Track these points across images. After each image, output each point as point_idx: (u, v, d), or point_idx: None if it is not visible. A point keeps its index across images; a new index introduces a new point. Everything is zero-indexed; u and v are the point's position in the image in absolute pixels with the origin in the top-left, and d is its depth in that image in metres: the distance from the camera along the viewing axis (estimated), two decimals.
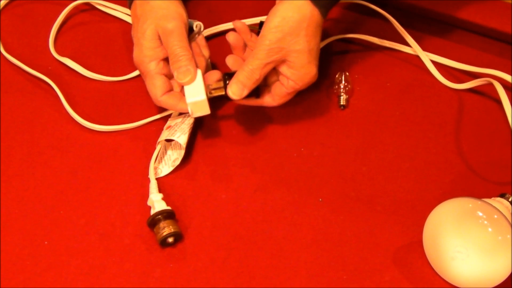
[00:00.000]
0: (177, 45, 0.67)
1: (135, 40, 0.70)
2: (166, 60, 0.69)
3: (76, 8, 0.84)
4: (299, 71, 0.67)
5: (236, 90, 0.67)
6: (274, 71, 0.69)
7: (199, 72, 0.68)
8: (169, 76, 0.70)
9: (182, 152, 0.70)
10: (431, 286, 0.63)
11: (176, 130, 0.70)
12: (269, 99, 0.70)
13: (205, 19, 0.76)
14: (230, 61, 0.70)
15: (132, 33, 0.71)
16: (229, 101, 0.70)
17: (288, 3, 0.66)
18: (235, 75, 0.67)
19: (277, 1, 0.68)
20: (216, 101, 0.76)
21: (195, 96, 0.67)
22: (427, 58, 0.80)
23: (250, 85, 0.67)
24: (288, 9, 0.66)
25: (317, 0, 0.66)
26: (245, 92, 0.67)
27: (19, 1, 0.87)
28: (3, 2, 0.86)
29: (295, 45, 0.66)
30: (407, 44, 0.81)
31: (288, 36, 0.65)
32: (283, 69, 0.68)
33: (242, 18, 0.74)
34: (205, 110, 0.68)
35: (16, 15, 0.85)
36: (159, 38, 0.69)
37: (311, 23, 0.66)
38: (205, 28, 0.76)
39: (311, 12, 0.66)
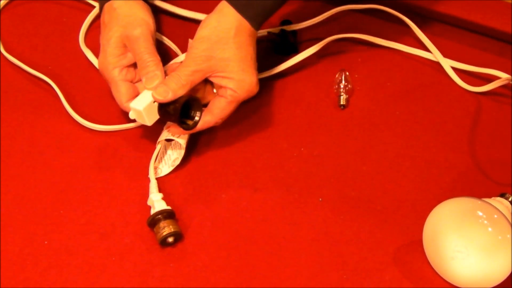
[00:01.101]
0: (144, 51, 0.68)
1: (101, 47, 0.70)
2: (131, 66, 0.70)
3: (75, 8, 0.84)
4: (233, 79, 0.67)
5: (161, 92, 0.65)
6: (211, 91, 0.70)
7: None
8: (135, 82, 0.71)
9: (182, 152, 0.70)
10: (431, 286, 0.63)
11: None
12: (208, 117, 0.68)
13: None
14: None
15: (100, 39, 0.72)
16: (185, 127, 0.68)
17: (217, 14, 0.67)
18: (163, 80, 0.67)
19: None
20: None
21: (138, 104, 0.66)
22: (447, 64, 0.80)
23: (175, 88, 0.65)
24: (216, 19, 0.67)
25: (245, 12, 0.66)
26: (169, 95, 0.65)
27: (19, 1, 0.87)
28: (3, 2, 0.86)
29: (224, 53, 0.66)
30: (407, 44, 0.82)
31: (216, 44, 0.66)
32: (217, 79, 0.67)
33: None
34: (142, 120, 0.68)
35: (16, 15, 0.85)
36: (124, 46, 0.69)
37: (239, 32, 0.67)
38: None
39: (239, 22, 0.67)
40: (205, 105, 0.69)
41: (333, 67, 0.80)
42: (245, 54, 0.67)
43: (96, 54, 0.77)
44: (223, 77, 0.67)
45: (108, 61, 0.69)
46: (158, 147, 0.71)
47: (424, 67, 0.81)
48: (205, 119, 0.68)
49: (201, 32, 0.67)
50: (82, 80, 0.78)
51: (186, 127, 0.67)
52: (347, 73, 0.78)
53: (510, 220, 0.58)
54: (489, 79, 0.77)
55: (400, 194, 0.69)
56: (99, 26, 0.73)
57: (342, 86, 0.77)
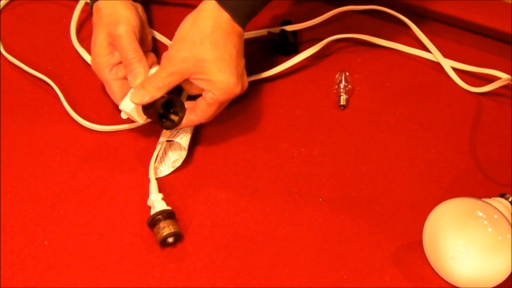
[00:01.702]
0: (126, 48, 0.68)
1: (91, 48, 0.71)
2: (121, 64, 0.70)
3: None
4: (210, 81, 0.65)
5: (138, 95, 0.65)
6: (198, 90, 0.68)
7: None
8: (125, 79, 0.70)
9: (184, 153, 0.70)
10: (431, 286, 0.63)
11: (178, 132, 0.70)
12: (193, 116, 0.68)
13: None
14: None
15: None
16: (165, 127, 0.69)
17: (196, 12, 0.65)
18: (139, 83, 0.67)
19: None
20: None
21: (126, 105, 0.67)
22: (447, 64, 0.80)
23: (152, 91, 0.65)
24: (193, 18, 0.65)
25: (226, 4, 0.64)
26: (146, 98, 0.65)
27: (19, 1, 0.87)
28: (3, 2, 0.86)
29: (199, 54, 0.64)
30: (407, 44, 0.82)
31: (191, 44, 0.64)
32: (196, 81, 0.66)
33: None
34: (134, 119, 0.69)
35: (16, 15, 0.85)
36: (111, 45, 0.69)
37: (215, 30, 0.64)
38: None
39: (216, 18, 0.64)
40: (196, 97, 0.69)
41: (333, 67, 0.80)
42: (221, 53, 0.64)
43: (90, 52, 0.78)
44: (200, 79, 0.65)
45: (97, 61, 0.69)
46: (158, 147, 0.71)
47: (424, 68, 0.81)
48: (189, 118, 0.68)
49: (178, 32, 0.66)
50: (82, 80, 0.78)
51: (166, 126, 0.68)
52: (347, 73, 0.78)
53: (510, 220, 0.58)
54: (489, 79, 0.77)
55: (400, 194, 0.69)
56: (88, 24, 0.73)
57: (342, 86, 0.77)
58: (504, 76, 0.75)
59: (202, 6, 0.66)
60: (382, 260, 0.64)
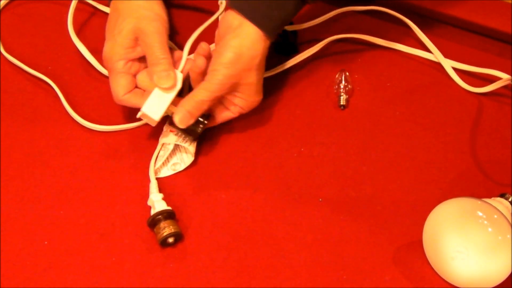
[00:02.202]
0: (157, 47, 0.67)
1: (108, 35, 0.69)
2: (136, 60, 0.69)
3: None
4: (247, 101, 0.69)
5: (183, 119, 0.66)
6: None
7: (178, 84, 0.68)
8: (134, 75, 0.70)
9: (189, 160, 0.70)
10: (431, 286, 0.63)
11: (186, 137, 0.69)
12: (211, 122, 0.71)
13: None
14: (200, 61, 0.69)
15: (107, 26, 0.70)
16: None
17: (243, 38, 0.66)
18: (181, 103, 0.66)
19: (227, 21, 0.67)
20: None
21: (153, 112, 0.67)
22: (448, 64, 0.80)
23: (197, 115, 0.67)
24: (243, 45, 0.66)
25: (264, 26, 0.66)
26: (191, 121, 0.67)
27: (19, 1, 0.87)
28: (3, 2, 0.86)
29: (247, 79, 0.67)
30: (407, 44, 0.82)
31: (242, 71, 0.66)
32: (232, 97, 0.69)
33: None
34: (152, 123, 0.68)
35: (16, 15, 0.85)
36: (136, 39, 0.68)
37: (262, 57, 0.68)
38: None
39: (263, 46, 0.67)
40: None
41: (333, 67, 0.80)
42: (261, 76, 0.69)
43: (90, 49, 0.78)
44: (238, 96, 0.69)
45: (116, 51, 0.68)
46: (159, 147, 0.71)
47: (424, 68, 0.81)
48: (211, 123, 0.71)
49: (226, 56, 0.65)
50: (82, 81, 0.78)
51: (199, 133, 0.69)
52: (347, 73, 0.78)
53: (510, 220, 0.58)
54: (490, 79, 0.77)
55: (400, 194, 0.69)
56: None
57: (342, 86, 0.77)
58: (504, 76, 0.75)
59: (243, 28, 0.66)
60: (382, 260, 0.64)
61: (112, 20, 0.70)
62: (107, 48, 0.69)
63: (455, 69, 0.80)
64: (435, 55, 0.80)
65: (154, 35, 0.67)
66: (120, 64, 0.68)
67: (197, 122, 0.68)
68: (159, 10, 0.69)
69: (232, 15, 0.67)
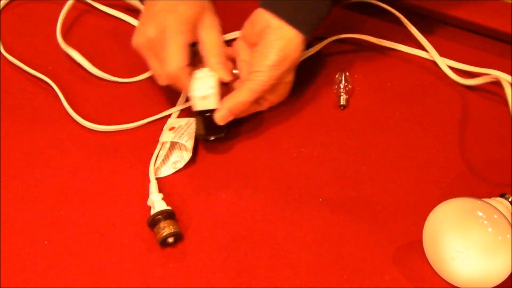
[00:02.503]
0: (220, 40, 0.69)
1: (167, 5, 0.68)
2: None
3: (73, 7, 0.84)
4: (279, 97, 0.72)
5: (224, 116, 0.68)
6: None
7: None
8: None
9: (188, 156, 0.70)
10: (431, 286, 0.63)
11: (183, 134, 0.69)
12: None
13: None
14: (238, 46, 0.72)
15: (150, 15, 0.69)
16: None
17: (287, 40, 0.67)
18: (224, 100, 0.68)
19: (262, 21, 0.68)
20: None
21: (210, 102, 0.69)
22: (442, 61, 0.80)
23: (237, 114, 0.69)
24: (287, 48, 0.67)
25: (301, 26, 0.67)
26: (230, 119, 0.69)
27: (19, 1, 0.87)
28: (3, 2, 0.86)
29: (286, 79, 0.70)
30: (406, 44, 0.82)
31: (284, 73, 0.69)
32: (266, 94, 0.70)
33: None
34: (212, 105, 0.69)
35: (16, 15, 0.85)
36: (192, 22, 0.68)
37: (300, 53, 0.69)
38: None
39: (300, 41, 0.68)
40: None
41: (333, 67, 0.80)
42: (294, 75, 0.71)
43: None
44: (272, 92, 0.70)
45: (182, 63, 0.67)
46: (159, 147, 0.71)
47: (424, 68, 0.81)
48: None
49: (272, 58, 0.67)
50: (82, 81, 0.78)
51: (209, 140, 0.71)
52: (347, 74, 0.78)
53: (510, 220, 0.58)
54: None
55: (400, 194, 0.69)
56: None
57: (342, 87, 0.77)
58: (503, 76, 0.75)
59: (283, 29, 0.67)
60: (382, 260, 0.64)
61: (165, 10, 0.68)
62: (171, 61, 0.67)
63: (455, 69, 0.80)
64: (431, 53, 0.80)
65: (217, 27, 0.69)
66: (186, 71, 0.68)
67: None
68: (215, 16, 0.71)
69: (269, 15, 0.68)
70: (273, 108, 0.75)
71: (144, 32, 0.68)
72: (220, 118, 0.68)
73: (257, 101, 0.70)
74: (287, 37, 0.67)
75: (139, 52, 0.70)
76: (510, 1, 0.83)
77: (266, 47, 0.67)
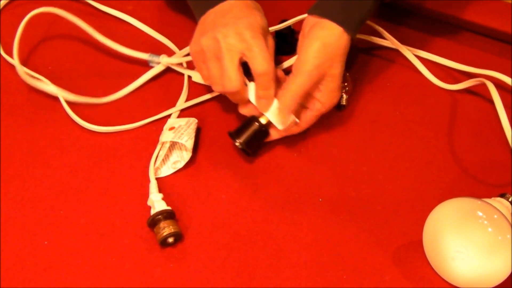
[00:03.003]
0: (273, 64, 0.67)
1: (241, 13, 0.67)
2: None
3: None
4: (329, 94, 0.69)
5: (284, 121, 0.68)
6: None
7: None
8: None
9: (188, 156, 0.70)
10: (431, 286, 0.63)
11: (182, 134, 0.69)
12: (294, 128, 0.71)
13: None
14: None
15: (223, 15, 0.68)
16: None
17: (327, 30, 0.67)
18: (281, 93, 0.67)
19: (309, 24, 0.68)
20: (217, 102, 0.77)
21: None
22: (417, 60, 0.80)
23: (292, 108, 0.67)
24: (328, 36, 0.67)
25: (347, 25, 0.67)
26: (292, 118, 0.68)
27: (19, 1, 0.87)
28: (3, 2, 0.86)
29: (332, 70, 0.67)
30: (407, 44, 0.82)
31: (328, 61, 0.67)
32: (314, 92, 0.69)
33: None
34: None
35: (16, 15, 0.85)
36: (266, 30, 0.68)
37: (345, 50, 0.68)
38: None
39: (347, 40, 0.67)
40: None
41: None
42: (343, 70, 0.69)
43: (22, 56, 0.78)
44: (320, 90, 0.68)
45: (240, 80, 0.67)
46: (158, 147, 0.71)
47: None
48: (292, 128, 0.71)
49: (313, 46, 0.66)
50: (82, 81, 0.78)
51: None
52: (347, 74, 0.78)
53: (510, 220, 0.58)
54: (490, 80, 0.77)
55: (400, 194, 0.69)
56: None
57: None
58: (503, 77, 0.75)
59: (325, 23, 0.67)
60: (382, 260, 0.64)
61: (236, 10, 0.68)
62: (231, 80, 0.66)
63: (455, 69, 0.80)
64: (434, 54, 0.80)
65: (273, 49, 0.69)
66: (261, 42, 0.67)
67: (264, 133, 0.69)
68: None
69: (313, 18, 0.68)
70: None
71: (198, 41, 0.68)
72: (283, 122, 0.68)
73: (305, 105, 0.70)
74: (327, 28, 0.67)
75: (193, 59, 0.70)
76: (510, 1, 0.83)
77: (307, 39, 0.67)
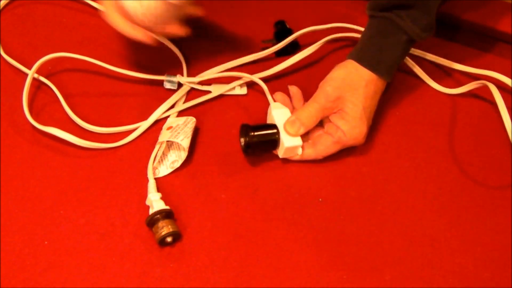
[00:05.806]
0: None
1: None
2: None
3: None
4: (350, 123, 0.68)
5: (296, 129, 0.68)
6: (319, 124, 0.70)
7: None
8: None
9: (184, 155, 0.70)
10: (431, 286, 0.63)
11: (179, 133, 0.70)
12: (310, 150, 0.70)
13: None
14: (279, 97, 0.73)
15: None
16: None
17: (351, 67, 0.70)
18: (292, 115, 0.69)
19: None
20: (216, 102, 0.77)
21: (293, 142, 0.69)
22: (418, 67, 0.80)
23: (308, 125, 0.69)
24: (351, 69, 0.69)
25: (377, 69, 0.69)
26: (302, 131, 0.68)
27: (19, 1, 0.87)
28: (3, 2, 0.86)
29: (352, 97, 0.68)
30: None
31: (348, 86, 0.68)
32: (335, 117, 0.69)
33: None
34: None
35: (16, 15, 0.85)
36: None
37: (369, 84, 0.69)
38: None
39: (371, 76, 0.69)
40: None
41: (333, 67, 0.79)
42: (368, 104, 0.69)
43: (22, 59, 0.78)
44: (341, 117, 0.69)
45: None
46: (157, 147, 0.71)
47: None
48: (307, 152, 0.70)
49: (335, 73, 0.70)
50: (82, 82, 0.78)
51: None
52: None
53: None
54: (490, 80, 0.77)
55: (400, 194, 0.69)
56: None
57: None
58: (503, 78, 0.75)
59: (353, 66, 0.70)
60: (382, 260, 0.64)
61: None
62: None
63: (454, 69, 0.80)
64: (434, 55, 0.80)
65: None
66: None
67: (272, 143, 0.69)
68: None
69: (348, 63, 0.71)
70: None
71: None
72: (295, 131, 0.68)
73: (327, 131, 0.70)
74: (351, 65, 0.70)
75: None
76: (510, 1, 0.83)
77: (334, 69, 0.71)
